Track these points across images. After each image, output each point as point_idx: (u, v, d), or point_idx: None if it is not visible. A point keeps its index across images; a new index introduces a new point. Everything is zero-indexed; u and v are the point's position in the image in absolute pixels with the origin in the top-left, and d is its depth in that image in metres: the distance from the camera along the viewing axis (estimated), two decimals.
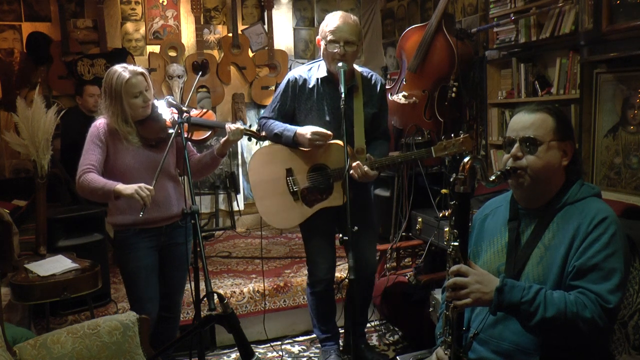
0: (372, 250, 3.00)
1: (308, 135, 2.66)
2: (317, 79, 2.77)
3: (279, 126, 2.77)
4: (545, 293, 1.47)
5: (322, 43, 2.68)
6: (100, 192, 2.33)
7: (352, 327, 2.80)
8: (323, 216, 2.81)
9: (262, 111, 5.14)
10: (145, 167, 2.47)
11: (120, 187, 2.30)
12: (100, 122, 2.48)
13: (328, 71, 2.74)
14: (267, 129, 2.81)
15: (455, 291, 1.52)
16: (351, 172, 2.58)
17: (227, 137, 2.56)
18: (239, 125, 2.59)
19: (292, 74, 2.82)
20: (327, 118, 2.76)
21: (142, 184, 2.28)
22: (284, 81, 2.83)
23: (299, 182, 2.79)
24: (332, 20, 2.65)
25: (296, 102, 2.81)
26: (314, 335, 3.50)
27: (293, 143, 2.73)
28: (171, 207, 2.55)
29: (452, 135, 2.60)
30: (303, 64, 5.81)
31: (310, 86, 2.78)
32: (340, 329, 3.20)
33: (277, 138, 2.77)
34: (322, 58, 2.77)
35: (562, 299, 1.46)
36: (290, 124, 2.80)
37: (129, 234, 2.51)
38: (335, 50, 2.61)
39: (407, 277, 3.28)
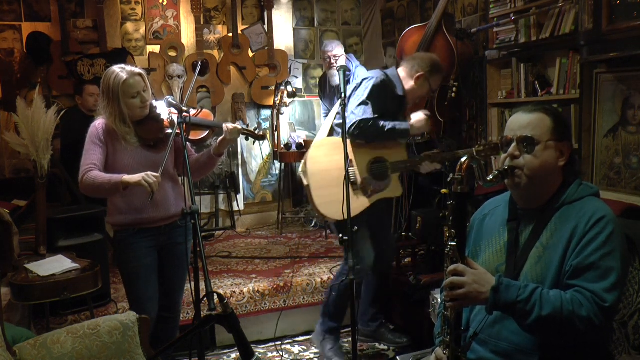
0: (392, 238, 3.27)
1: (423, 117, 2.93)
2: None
3: (388, 122, 2.88)
4: (541, 292, 1.48)
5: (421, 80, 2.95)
6: (107, 186, 2.34)
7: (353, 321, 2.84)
8: (379, 206, 2.99)
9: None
10: (144, 167, 2.46)
11: (127, 177, 2.32)
12: (99, 122, 2.49)
13: (402, 94, 2.99)
14: (372, 128, 2.85)
15: (452, 291, 1.52)
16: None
17: (223, 136, 2.56)
18: (237, 125, 2.60)
19: (381, 77, 2.93)
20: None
21: (148, 172, 2.29)
22: (377, 81, 2.90)
23: (359, 173, 2.89)
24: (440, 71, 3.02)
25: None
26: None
27: (405, 133, 2.92)
28: (169, 207, 2.55)
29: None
30: (303, 63, 5.84)
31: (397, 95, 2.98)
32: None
33: (390, 133, 2.88)
34: (397, 77, 2.99)
35: (558, 297, 1.46)
36: None
37: (129, 234, 2.51)
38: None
39: (407, 277, 3.28)
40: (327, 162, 2.88)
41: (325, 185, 2.85)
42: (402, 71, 2.99)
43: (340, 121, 2.90)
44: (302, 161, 3.00)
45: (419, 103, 3.86)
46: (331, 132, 3.03)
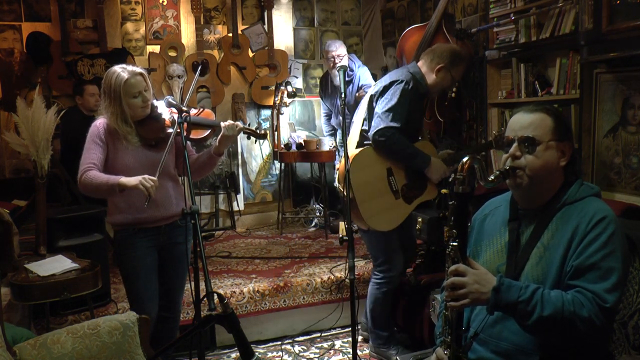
0: None
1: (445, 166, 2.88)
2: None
3: (412, 146, 2.82)
4: (542, 292, 1.48)
5: (442, 72, 2.87)
6: (104, 187, 2.34)
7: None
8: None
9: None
10: (145, 167, 2.46)
11: (124, 179, 2.31)
12: (100, 122, 2.49)
13: (426, 90, 2.92)
14: (398, 142, 2.75)
15: (453, 291, 1.52)
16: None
17: (222, 132, 2.56)
18: (238, 122, 2.60)
19: (410, 80, 2.82)
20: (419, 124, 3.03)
21: (145, 175, 2.29)
22: (407, 86, 2.80)
23: (398, 180, 2.87)
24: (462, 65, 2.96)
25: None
26: (314, 336, 3.51)
27: (423, 164, 2.83)
28: (170, 206, 2.55)
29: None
30: (303, 63, 5.83)
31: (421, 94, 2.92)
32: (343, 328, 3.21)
33: (409, 156, 2.81)
34: (420, 74, 2.89)
35: (559, 298, 1.46)
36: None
37: (129, 234, 2.51)
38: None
39: (407, 277, 3.28)
40: (367, 174, 2.80)
41: (368, 197, 2.79)
42: (422, 65, 2.91)
43: (367, 128, 2.87)
44: (339, 173, 2.93)
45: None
46: (361, 139, 2.94)
